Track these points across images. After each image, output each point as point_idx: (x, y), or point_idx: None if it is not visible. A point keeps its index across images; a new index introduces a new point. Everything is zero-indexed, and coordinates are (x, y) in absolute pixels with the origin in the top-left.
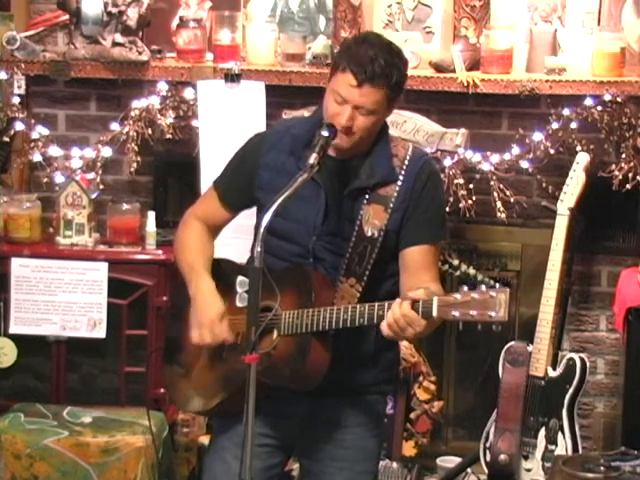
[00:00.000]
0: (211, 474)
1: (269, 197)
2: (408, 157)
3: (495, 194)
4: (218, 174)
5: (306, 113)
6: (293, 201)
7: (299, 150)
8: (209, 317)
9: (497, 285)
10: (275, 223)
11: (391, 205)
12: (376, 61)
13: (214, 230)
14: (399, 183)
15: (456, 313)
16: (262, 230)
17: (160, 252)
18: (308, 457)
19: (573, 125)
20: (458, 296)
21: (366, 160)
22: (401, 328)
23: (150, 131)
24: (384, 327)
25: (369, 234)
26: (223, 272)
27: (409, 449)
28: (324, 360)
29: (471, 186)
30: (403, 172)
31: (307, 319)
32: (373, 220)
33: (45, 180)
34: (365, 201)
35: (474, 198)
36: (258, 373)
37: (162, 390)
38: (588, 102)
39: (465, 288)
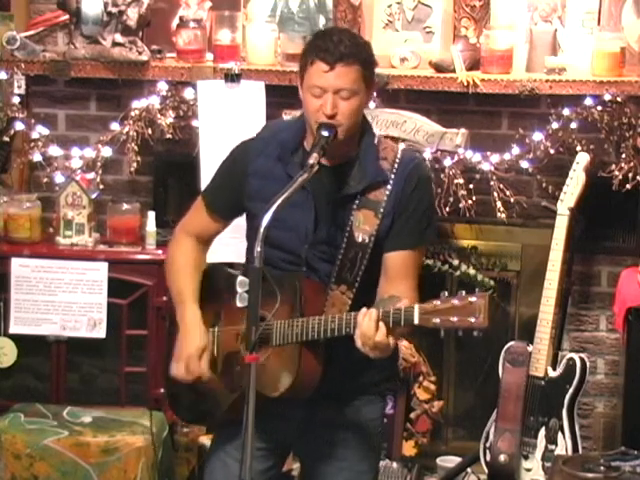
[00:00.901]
0: (212, 477)
1: (259, 205)
2: (398, 160)
3: (495, 194)
4: (206, 184)
5: None
6: (283, 209)
7: (287, 156)
8: (187, 352)
9: (477, 290)
10: (267, 231)
11: (381, 210)
12: (341, 43)
13: (206, 241)
14: (389, 187)
15: (437, 320)
16: (262, 230)
17: (160, 252)
18: (308, 458)
19: (573, 125)
20: (438, 303)
21: (354, 165)
22: (369, 338)
23: (150, 131)
24: (356, 339)
25: (359, 240)
26: (215, 280)
27: (409, 449)
28: (315, 371)
29: (471, 186)
30: (393, 175)
31: (297, 329)
32: (363, 226)
33: (45, 180)
34: (355, 206)
35: (474, 198)
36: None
37: (162, 390)
38: (588, 102)
39: (445, 294)
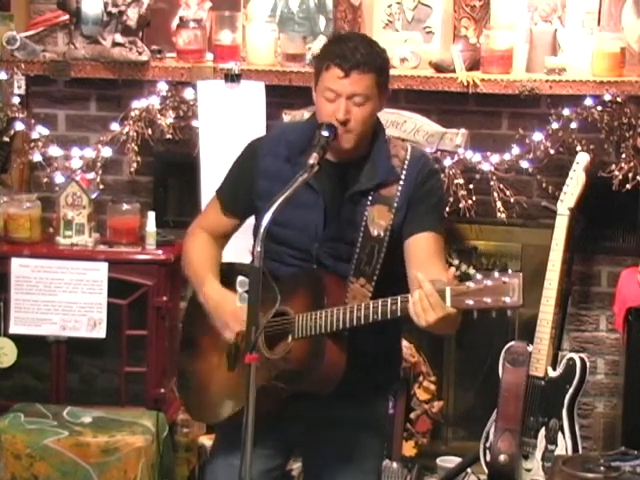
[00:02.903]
0: (215, 476)
1: (267, 205)
2: (408, 157)
3: (495, 194)
4: (220, 183)
5: (306, 113)
6: (291, 209)
7: (295, 157)
8: (229, 311)
9: (510, 270)
10: (275, 231)
11: (395, 205)
12: (357, 50)
13: (222, 238)
14: (401, 182)
15: (470, 302)
16: (262, 230)
17: (160, 252)
18: (313, 457)
19: (573, 125)
20: (471, 284)
21: (365, 163)
22: (424, 309)
23: (150, 131)
24: (410, 306)
25: (375, 234)
26: (230, 279)
27: (409, 449)
28: (340, 361)
29: (471, 186)
30: (404, 172)
31: (321, 320)
32: (378, 220)
33: (45, 180)
34: (369, 202)
35: (474, 198)
36: (275, 378)
37: (162, 390)
38: (588, 102)
39: (478, 276)
